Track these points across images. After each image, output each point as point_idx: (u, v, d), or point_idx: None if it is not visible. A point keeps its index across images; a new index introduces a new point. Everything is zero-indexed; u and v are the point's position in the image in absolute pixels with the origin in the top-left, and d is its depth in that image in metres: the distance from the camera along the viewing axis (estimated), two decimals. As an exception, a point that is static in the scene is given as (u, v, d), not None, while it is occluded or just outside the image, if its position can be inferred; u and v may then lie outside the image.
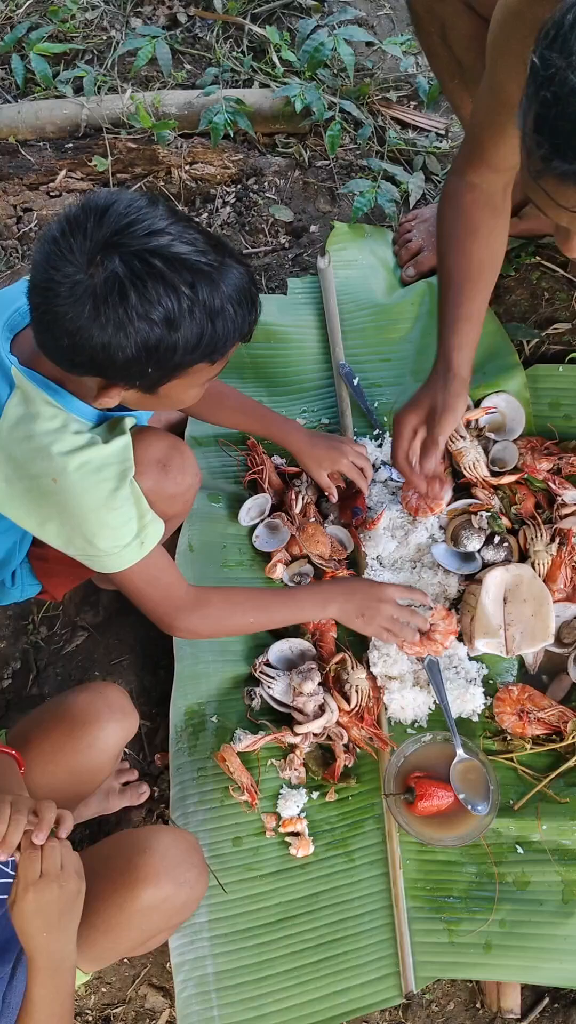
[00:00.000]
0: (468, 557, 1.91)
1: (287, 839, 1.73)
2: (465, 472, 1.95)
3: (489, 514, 1.90)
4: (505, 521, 1.93)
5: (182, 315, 1.27)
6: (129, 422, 1.50)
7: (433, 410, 1.77)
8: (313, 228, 2.44)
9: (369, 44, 2.64)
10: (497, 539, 1.88)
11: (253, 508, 2.00)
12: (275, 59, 2.61)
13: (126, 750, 1.84)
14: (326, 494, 1.97)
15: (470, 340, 1.76)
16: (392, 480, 2.03)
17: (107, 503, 1.43)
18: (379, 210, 2.40)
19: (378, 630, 1.77)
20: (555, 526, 1.91)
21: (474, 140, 1.70)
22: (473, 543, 1.88)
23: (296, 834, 1.74)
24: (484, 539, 1.89)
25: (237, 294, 1.32)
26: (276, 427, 1.92)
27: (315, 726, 1.77)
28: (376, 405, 2.14)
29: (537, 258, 2.29)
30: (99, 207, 1.25)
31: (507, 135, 1.57)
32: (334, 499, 1.97)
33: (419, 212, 2.37)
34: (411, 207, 2.44)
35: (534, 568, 1.87)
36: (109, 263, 1.23)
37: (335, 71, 2.57)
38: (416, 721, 1.83)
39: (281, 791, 1.77)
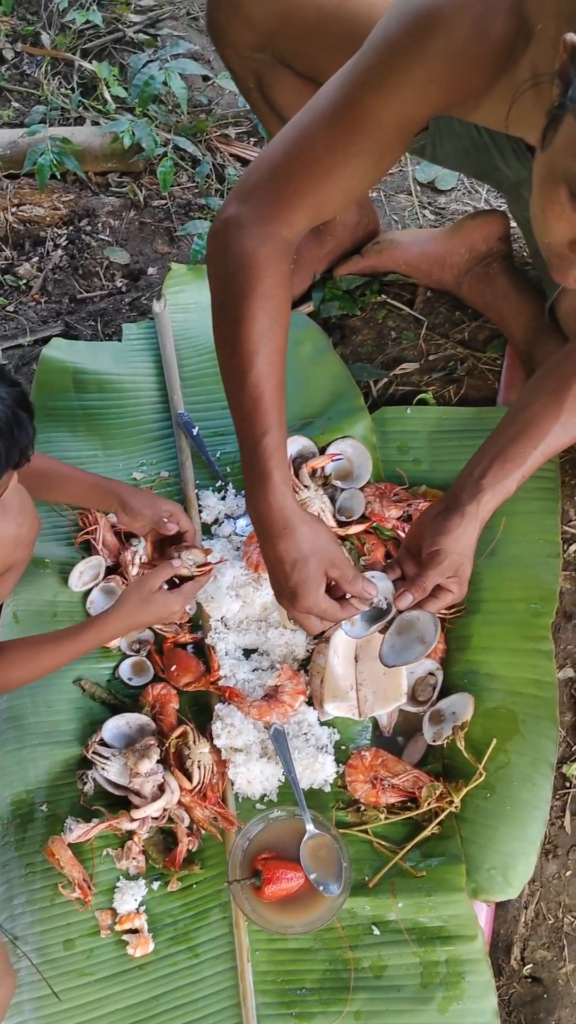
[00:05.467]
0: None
1: (124, 937, 1.63)
2: (310, 524, 1.89)
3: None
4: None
5: None
6: None
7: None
8: (151, 270, 2.39)
9: (206, 79, 2.62)
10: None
11: (86, 571, 1.92)
12: (106, 95, 2.56)
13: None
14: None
15: None
16: (236, 535, 1.96)
17: None
18: (219, 250, 2.35)
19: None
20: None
21: (317, 172, 1.45)
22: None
23: (134, 931, 1.64)
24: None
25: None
26: (100, 491, 1.84)
27: (153, 809, 1.68)
28: (219, 455, 2.08)
29: (383, 296, 2.27)
30: None
31: (350, 175, 1.45)
32: (168, 531, 1.84)
33: (261, 251, 2.32)
34: (253, 246, 2.40)
35: (384, 623, 1.82)
36: None
37: (169, 106, 2.54)
38: (265, 795, 1.75)
39: (118, 884, 1.67)
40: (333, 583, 1.54)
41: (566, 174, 1.12)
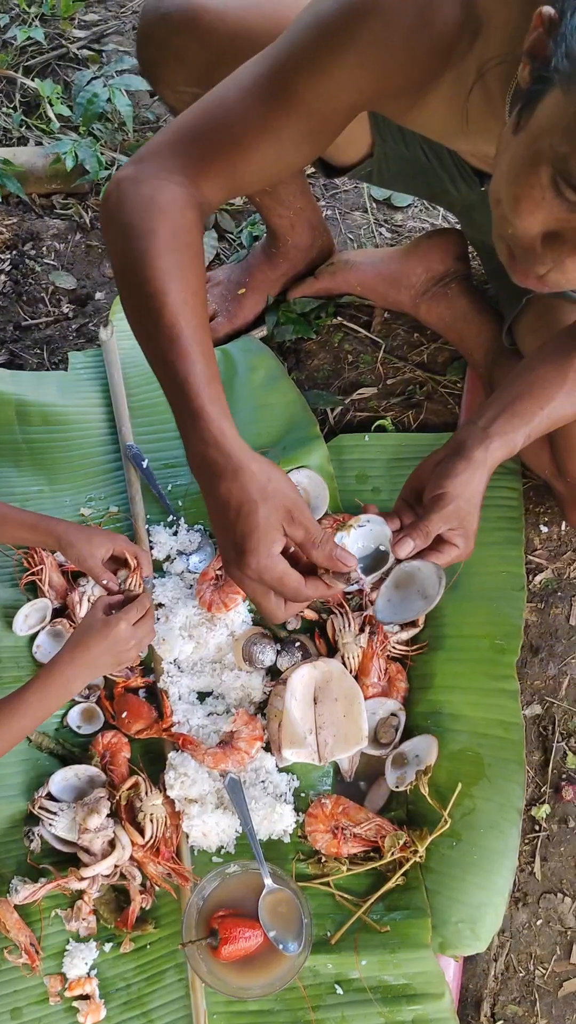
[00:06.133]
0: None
1: (75, 1004, 1.56)
2: (265, 560, 1.83)
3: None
4: (309, 612, 1.82)
5: None
6: None
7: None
8: (99, 295, 2.32)
9: (153, 94, 2.55)
10: (287, 641, 1.77)
11: (31, 614, 1.84)
12: (50, 114, 2.49)
13: None
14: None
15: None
16: (189, 571, 1.89)
17: None
18: (169, 273, 2.28)
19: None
20: (364, 613, 1.80)
21: (230, 138, 1.30)
22: (268, 655, 1.77)
23: (85, 997, 1.57)
24: (278, 647, 1.78)
25: None
26: (38, 532, 1.77)
27: (103, 867, 1.61)
28: (169, 488, 2.01)
29: (339, 319, 2.22)
30: None
31: (266, 151, 1.31)
32: (113, 586, 1.79)
33: (212, 274, 2.27)
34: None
35: (344, 662, 1.76)
36: None
37: (115, 124, 2.47)
38: (223, 847, 1.69)
39: (68, 946, 1.60)
40: (294, 549, 1.26)
41: (551, 154, 1.03)
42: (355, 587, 1.36)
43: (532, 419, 1.50)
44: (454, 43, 1.21)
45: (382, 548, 1.44)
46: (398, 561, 1.46)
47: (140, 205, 1.26)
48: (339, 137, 1.77)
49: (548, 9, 1.02)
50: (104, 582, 1.77)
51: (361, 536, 1.47)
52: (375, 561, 1.44)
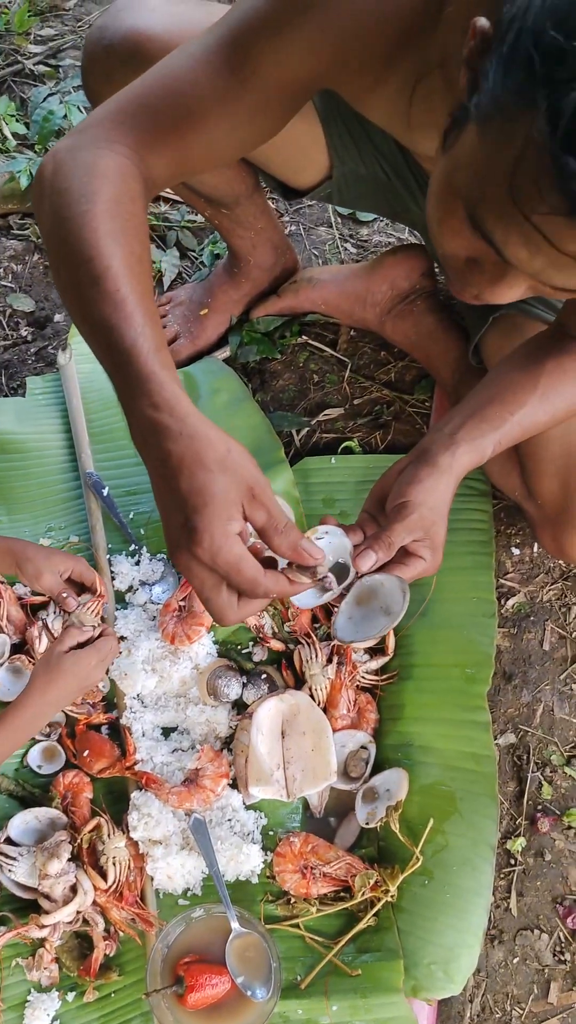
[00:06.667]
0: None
1: (37, 1059, 1.51)
2: (229, 589, 1.78)
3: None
4: (275, 643, 1.78)
5: None
6: None
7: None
8: (58, 317, 2.28)
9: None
10: (253, 674, 1.73)
11: (-11, 651, 1.79)
12: (5, 132, 2.45)
13: None
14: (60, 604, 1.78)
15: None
16: (152, 603, 1.85)
17: None
18: (130, 294, 2.24)
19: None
20: (332, 642, 1.76)
21: (181, 109, 1.22)
22: (233, 689, 1.73)
23: (47, 1051, 1.52)
24: (244, 680, 1.74)
25: None
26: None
27: (65, 914, 1.56)
28: (131, 516, 1.97)
29: (304, 337, 2.18)
30: None
31: (216, 123, 1.23)
32: (72, 604, 1.75)
33: (174, 294, 2.23)
34: (165, 288, 2.30)
35: (312, 694, 1.72)
36: None
37: (73, 142, 2.42)
38: (189, 889, 1.64)
39: (29, 997, 1.55)
40: (254, 538, 1.12)
41: (464, 193, 0.98)
42: (327, 597, 1.29)
43: (502, 425, 1.44)
44: (415, 24, 1.14)
45: (342, 561, 1.38)
46: (359, 575, 1.39)
47: (79, 170, 1.16)
48: (296, 159, 1.74)
49: (483, 22, 0.93)
50: (64, 596, 1.75)
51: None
52: (335, 575, 1.39)
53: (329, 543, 1.39)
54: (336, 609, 1.48)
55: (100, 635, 1.69)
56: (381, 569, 1.38)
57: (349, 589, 1.43)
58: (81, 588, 1.80)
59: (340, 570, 1.38)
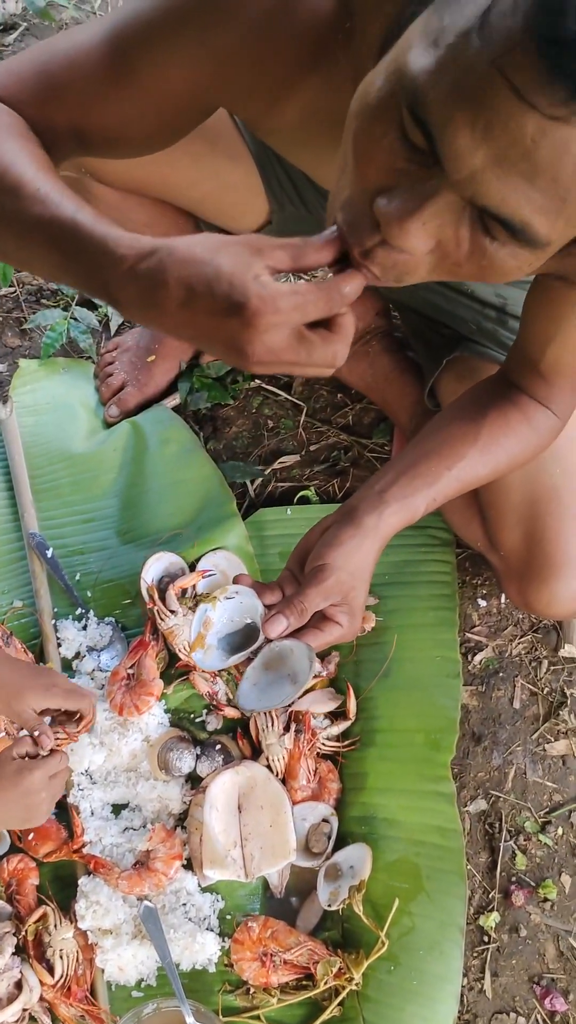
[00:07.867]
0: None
1: None
2: (180, 655, 1.71)
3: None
4: (230, 711, 1.70)
5: None
6: None
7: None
8: (0, 367, 2.20)
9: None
10: (207, 744, 1.65)
11: None
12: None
13: None
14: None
15: None
16: (100, 670, 1.77)
17: None
18: (76, 343, 2.17)
19: None
20: (290, 708, 1.68)
21: (65, 83, 1.16)
22: (186, 762, 1.64)
23: None
24: (197, 751, 1.65)
25: None
26: None
27: (9, 1013, 1.48)
28: (78, 578, 1.89)
29: (257, 382, 2.11)
30: None
31: (115, 106, 1.16)
32: (48, 744, 1.49)
33: (121, 340, 2.16)
34: (112, 334, 2.23)
35: (269, 765, 1.64)
36: None
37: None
38: (143, 980, 1.56)
39: None
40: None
41: (406, 81, 0.83)
42: (232, 661, 1.30)
43: (436, 481, 1.38)
44: (322, 38, 1.06)
45: (251, 623, 1.34)
46: (268, 640, 1.34)
47: None
48: (235, 207, 1.68)
49: None
50: (36, 734, 1.49)
51: (229, 609, 1.37)
52: (245, 638, 1.33)
53: (239, 603, 1.35)
54: (240, 674, 1.40)
55: (51, 752, 1.50)
56: (292, 635, 1.33)
57: (256, 653, 1.38)
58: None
59: (249, 632, 1.33)
